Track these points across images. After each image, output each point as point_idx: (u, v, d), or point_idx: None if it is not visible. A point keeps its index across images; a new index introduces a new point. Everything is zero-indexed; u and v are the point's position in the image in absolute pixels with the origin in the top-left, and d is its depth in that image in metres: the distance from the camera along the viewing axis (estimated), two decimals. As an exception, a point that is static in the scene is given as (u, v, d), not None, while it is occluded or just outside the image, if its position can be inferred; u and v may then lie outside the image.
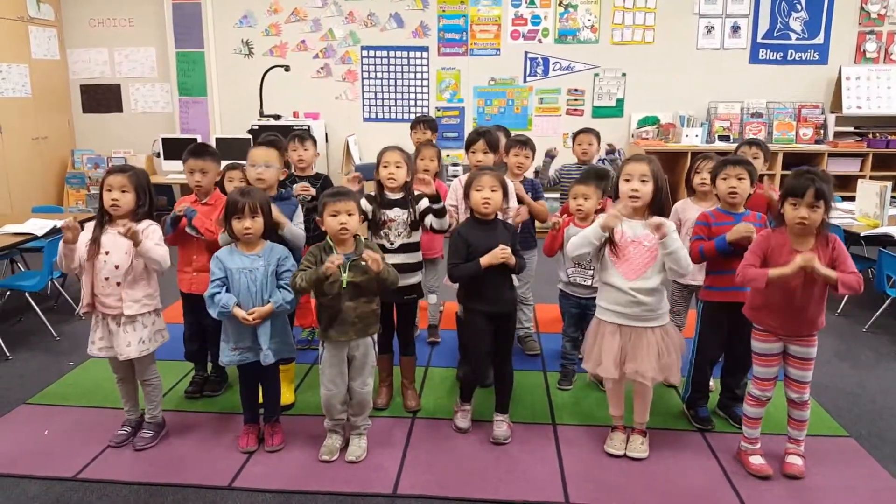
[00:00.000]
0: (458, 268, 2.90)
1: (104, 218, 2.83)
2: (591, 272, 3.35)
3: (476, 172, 2.97)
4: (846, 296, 4.65)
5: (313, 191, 3.60)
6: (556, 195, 4.46)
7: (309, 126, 6.57)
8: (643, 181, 2.71)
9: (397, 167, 3.10)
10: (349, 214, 2.70)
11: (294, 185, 3.57)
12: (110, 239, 2.79)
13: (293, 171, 3.80)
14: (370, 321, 2.83)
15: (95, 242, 2.79)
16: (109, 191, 2.78)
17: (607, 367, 2.79)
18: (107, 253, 2.78)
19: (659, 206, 2.75)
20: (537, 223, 3.84)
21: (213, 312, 2.76)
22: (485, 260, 2.80)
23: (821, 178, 2.47)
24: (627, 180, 2.75)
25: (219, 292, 2.74)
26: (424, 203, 3.14)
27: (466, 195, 2.96)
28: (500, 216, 3.03)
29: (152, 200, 2.90)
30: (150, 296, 2.89)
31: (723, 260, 2.89)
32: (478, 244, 2.86)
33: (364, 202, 3.12)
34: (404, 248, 3.15)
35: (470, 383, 3.16)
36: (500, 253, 2.79)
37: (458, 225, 3.12)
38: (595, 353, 2.85)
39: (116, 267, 2.79)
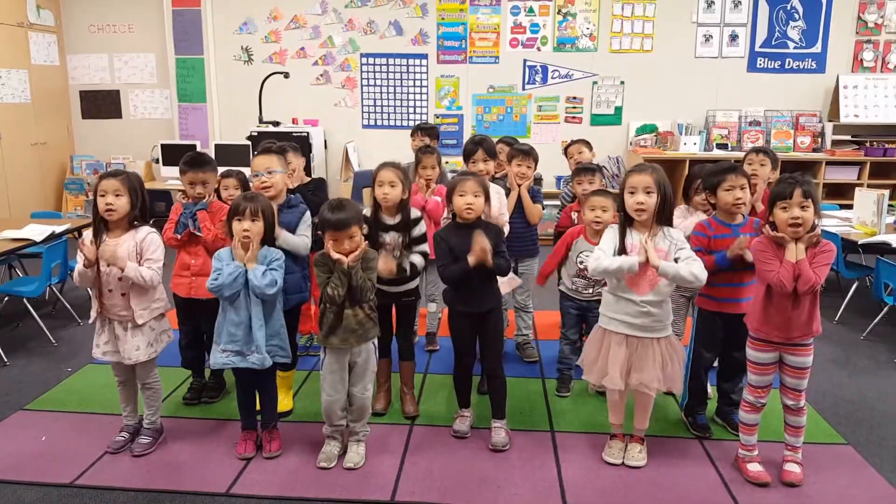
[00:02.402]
0: (447, 269, 2.92)
1: (100, 226, 2.81)
2: (593, 281, 3.34)
3: (459, 178, 2.97)
4: (844, 303, 4.70)
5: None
6: (557, 202, 4.47)
7: (308, 133, 6.59)
8: (648, 193, 2.69)
9: (391, 186, 3.06)
10: (350, 238, 2.71)
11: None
12: (111, 250, 2.78)
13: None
14: (369, 326, 2.84)
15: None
16: (103, 196, 2.76)
17: (614, 378, 2.76)
18: (108, 265, 2.78)
19: (665, 215, 2.74)
20: (539, 231, 3.84)
21: (208, 283, 2.72)
22: (472, 259, 2.81)
23: (805, 180, 2.52)
24: (632, 193, 2.72)
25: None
26: (420, 228, 3.14)
27: (449, 199, 2.97)
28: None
29: (146, 203, 2.89)
30: (158, 300, 2.91)
31: (722, 272, 2.89)
32: (459, 247, 2.87)
33: None
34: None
35: (459, 384, 3.16)
36: (480, 245, 2.77)
37: (440, 229, 3.12)
38: (600, 365, 2.82)
39: (120, 279, 2.79)
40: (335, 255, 2.69)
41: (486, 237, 2.80)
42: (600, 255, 2.76)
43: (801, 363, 2.66)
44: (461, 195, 2.91)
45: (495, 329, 3.06)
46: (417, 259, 3.13)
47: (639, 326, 2.75)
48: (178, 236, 3.17)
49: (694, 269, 2.64)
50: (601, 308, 2.89)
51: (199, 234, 3.15)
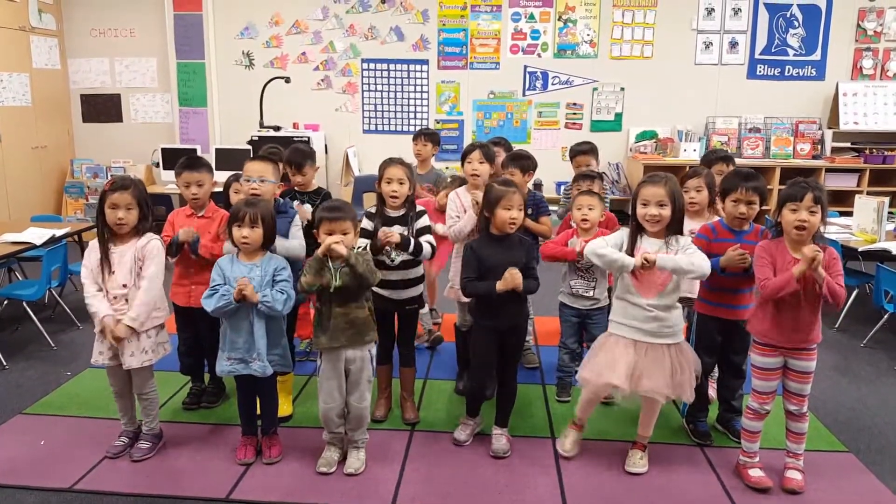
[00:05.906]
0: (472, 284, 2.88)
1: (105, 234, 2.81)
2: (593, 283, 3.34)
3: (505, 189, 2.87)
4: (843, 310, 4.69)
5: (309, 215, 3.49)
6: (556, 207, 4.46)
7: (309, 138, 6.59)
8: (661, 206, 2.68)
9: (400, 183, 3.07)
10: (344, 234, 2.70)
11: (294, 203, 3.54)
12: (115, 258, 2.79)
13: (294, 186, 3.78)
14: (363, 328, 2.80)
15: (104, 261, 2.79)
16: (114, 209, 2.76)
17: (619, 375, 2.71)
18: (112, 272, 2.78)
19: (677, 224, 2.73)
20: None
21: (210, 305, 2.73)
22: (500, 285, 2.77)
23: (816, 185, 2.56)
24: (644, 205, 2.71)
25: (216, 292, 2.74)
26: (424, 221, 3.14)
27: (491, 210, 2.88)
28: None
29: (151, 211, 2.90)
30: (158, 309, 2.90)
31: (719, 277, 2.89)
32: (490, 260, 2.84)
33: (365, 220, 3.11)
34: (405, 265, 3.13)
35: (474, 397, 3.14)
36: (512, 281, 2.75)
37: (472, 240, 3.08)
38: (605, 362, 2.77)
39: (124, 286, 2.80)
40: (323, 246, 2.64)
41: (518, 272, 2.76)
42: (600, 242, 2.77)
43: (806, 367, 2.67)
44: (507, 209, 2.84)
45: (517, 344, 3.04)
46: (425, 238, 3.10)
47: (647, 331, 2.74)
48: (171, 259, 3.14)
49: (694, 259, 2.65)
50: (611, 315, 2.88)
51: (196, 256, 3.14)
